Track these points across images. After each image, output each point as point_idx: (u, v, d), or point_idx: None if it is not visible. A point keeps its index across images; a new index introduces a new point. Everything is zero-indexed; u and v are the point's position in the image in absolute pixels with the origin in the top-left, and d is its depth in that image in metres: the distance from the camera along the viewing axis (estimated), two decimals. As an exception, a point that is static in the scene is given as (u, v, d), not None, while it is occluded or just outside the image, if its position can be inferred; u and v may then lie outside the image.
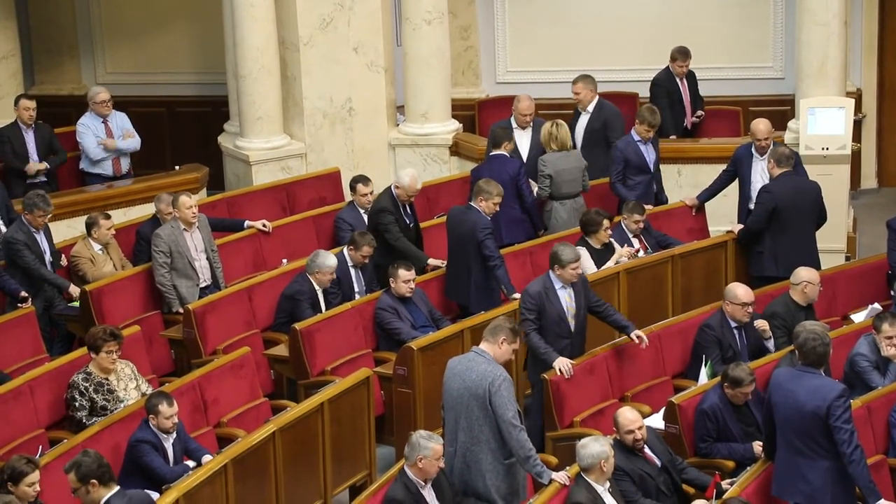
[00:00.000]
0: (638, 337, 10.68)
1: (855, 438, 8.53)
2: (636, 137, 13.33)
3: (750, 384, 9.74)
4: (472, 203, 11.92)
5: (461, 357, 9.27)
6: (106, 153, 14.34)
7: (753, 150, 12.91)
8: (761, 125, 12.90)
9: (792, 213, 12.22)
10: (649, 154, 13.37)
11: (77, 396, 10.11)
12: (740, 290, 10.88)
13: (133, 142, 14.52)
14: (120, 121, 14.58)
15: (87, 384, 10.15)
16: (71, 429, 10.18)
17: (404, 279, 11.43)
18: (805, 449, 8.65)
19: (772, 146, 12.64)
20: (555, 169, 13.00)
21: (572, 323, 10.50)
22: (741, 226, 12.76)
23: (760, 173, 12.83)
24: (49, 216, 12.09)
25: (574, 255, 10.49)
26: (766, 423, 9.03)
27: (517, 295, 11.55)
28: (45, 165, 14.12)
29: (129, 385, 10.27)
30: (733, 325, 10.88)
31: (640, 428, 9.24)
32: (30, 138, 14.23)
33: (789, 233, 12.24)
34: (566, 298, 10.49)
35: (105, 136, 14.44)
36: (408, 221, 12.48)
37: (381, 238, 12.29)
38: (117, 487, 8.21)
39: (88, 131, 14.39)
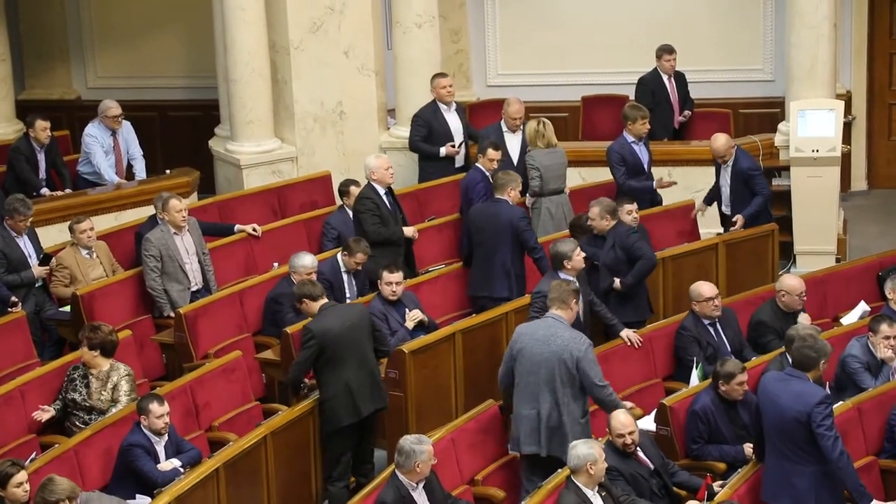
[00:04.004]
0: (628, 338, 10.85)
1: (839, 444, 8.52)
2: (629, 139, 13.37)
3: (743, 373, 9.82)
4: (498, 196, 12.03)
5: (537, 324, 9.80)
6: (110, 172, 14.32)
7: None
8: (716, 143, 12.94)
9: None
10: (643, 155, 13.42)
11: (74, 379, 10.32)
12: (704, 287, 11.06)
13: (141, 166, 14.58)
14: (127, 135, 14.55)
15: (75, 373, 10.33)
16: (64, 422, 10.29)
17: (387, 281, 11.43)
18: (790, 454, 8.65)
19: (597, 200, 12.06)
20: (542, 164, 13.08)
21: (581, 315, 10.64)
22: (739, 217, 12.86)
23: (726, 180, 12.99)
24: (29, 220, 12.08)
25: (574, 244, 10.87)
26: (756, 426, 9.04)
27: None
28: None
29: (103, 389, 10.25)
30: (706, 322, 11.01)
31: (630, 433, 9.26)
32: (41, 157, 14.25)
33: None
34: None
35: (113, 148, 14.39)
36: (389, 207, 12.51)
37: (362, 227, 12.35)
38: None
39: (96, 143, 14.33)
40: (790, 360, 10.00)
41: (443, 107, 14.25)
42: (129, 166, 14.66)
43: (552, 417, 9.52)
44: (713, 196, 13.37)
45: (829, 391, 9.02)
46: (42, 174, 14.25)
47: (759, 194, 12.88)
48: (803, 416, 8.51)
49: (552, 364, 9.49)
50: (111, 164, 14.40)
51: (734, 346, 11.02)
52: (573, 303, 9.74)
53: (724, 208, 13.14)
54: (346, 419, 10.10)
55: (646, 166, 13.44)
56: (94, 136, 14.38)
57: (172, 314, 11.75)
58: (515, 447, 9.75)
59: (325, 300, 10.41)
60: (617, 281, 11.62)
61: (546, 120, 13.39)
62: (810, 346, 8.74)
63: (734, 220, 12.90)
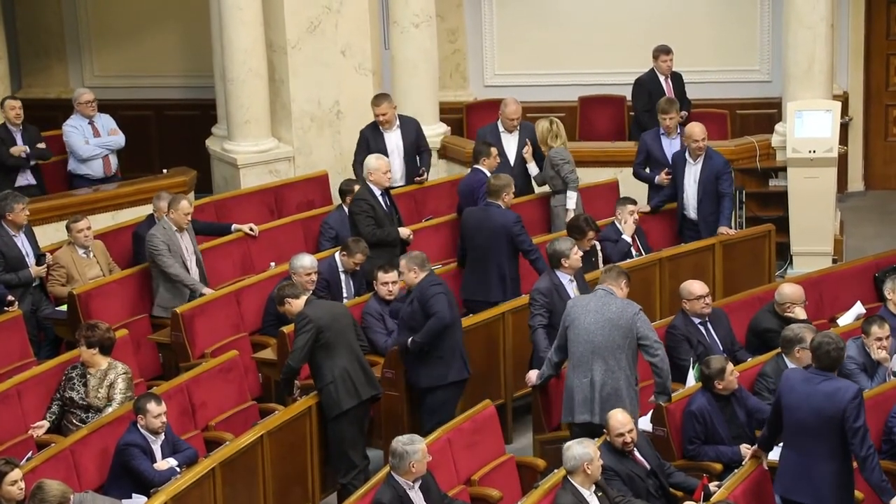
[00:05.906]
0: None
1: (868, 439, 8.55)
2: (661, 132, 13.46)
3: (729, 363, 9.91)
4: (490, 201, 12.06)
5: (589, 297, 10.02)
6: (95, 151, 14.34)
7: (688, 154, 12.96)
8: (696, 128, 12.95)
9: None
10: (672, 148, 13.43)
11: (72, 378, 10.31)
12: (695, 286, 11.05)
13: (118, 138, 14.54)
14: (105, 121, 14.61)
15: (73, 372, 10.32)
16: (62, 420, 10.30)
17: (382, 281, 11.45)
18: (815, 451, 8.62)
19: (406, 254, 11.14)
20: (570, 159, 13.13)
21: None
22: (725, 228, 12.81)
23: (693, 177, 12.92)
24: (27, 210, 12.05)
25: (571, 242, 11.01)
26: (772, 419, 8.97)
27: None
28: (24, 148, 14.11)
29: (100, 387, 10.25)
30: (697, 321, 11.01)
31: (630, 431, 9.28)
32: (19, 138, 14.25)
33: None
34: (574, 292, 10.70)
35: (92, 136, 14.45)
36: (385, 208, 12.51)
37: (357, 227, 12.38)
38: None
39: (76, 131, 14.41)
40: (788, 361, 10.12)
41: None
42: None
43: (606, 385, 9.70)
44: (663, 200, 13.33)
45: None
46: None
47: (726, 194, 12.87)
48: (839, 413, 8.52)
49: (607, 331, 9.69)
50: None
51: (726, 345, 11.01)
52: (623, 283, 9.95)
53: (689, 212, 12.99)
54: (346, 402, 10.15)
55: (671, 160, 13.39)
56: (74, 126, 14.46)
57: (205, 292, 11.82)
58: (569, 416, 9.89)
59: (306, 296, 10.55)
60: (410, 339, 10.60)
61: (557, 119, 13.40)
62: (834, 346, 8.68)
63: (721, 231, 12.85)
